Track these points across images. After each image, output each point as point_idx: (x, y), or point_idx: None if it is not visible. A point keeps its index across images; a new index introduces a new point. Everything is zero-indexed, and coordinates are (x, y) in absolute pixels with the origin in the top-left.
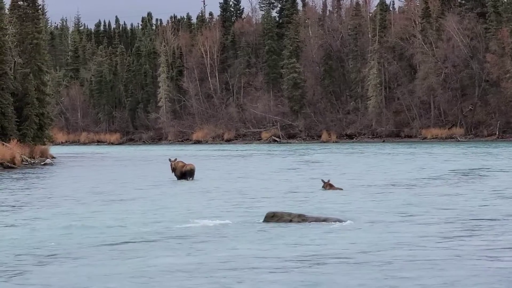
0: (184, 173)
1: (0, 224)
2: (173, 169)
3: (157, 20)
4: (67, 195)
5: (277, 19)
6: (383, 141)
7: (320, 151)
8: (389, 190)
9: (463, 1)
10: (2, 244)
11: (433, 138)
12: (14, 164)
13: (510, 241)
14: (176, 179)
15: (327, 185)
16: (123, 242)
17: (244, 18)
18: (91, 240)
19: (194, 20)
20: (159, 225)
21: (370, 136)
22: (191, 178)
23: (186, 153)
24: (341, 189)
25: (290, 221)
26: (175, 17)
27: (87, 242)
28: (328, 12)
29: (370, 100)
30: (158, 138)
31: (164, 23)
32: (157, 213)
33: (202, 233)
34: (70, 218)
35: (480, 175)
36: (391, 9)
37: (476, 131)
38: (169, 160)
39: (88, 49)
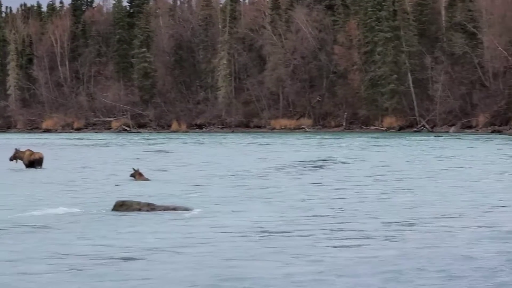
0: (33, 162)
1: None
2: (14, 158)
3: (6, 7)
4: None
5: (128, 8)
6: (232, 131)
7: (169, 140)
8: (232, 180)
9: None
10: None
11: (281, 128)
12: None
13: (328, 235)
14: (23, 167)
15: (137, 174)
16: None
17: (95, 7)
18: None
19: (44, 8)
20: None
21: (219, 126)
22: (39, 167)
23: (35, 142)
24: (148, 180)
25: (139, 210)
26: (25, 5)
27: None
28: (179, 2)
29: (220, 90)
30: (7, 127)
31: (14, 11)
32: None
33: (47, 221)
34: None
35: (321, 166)
36: (241, 0)
37: (323, 122)
38: (16, 149)
39: None
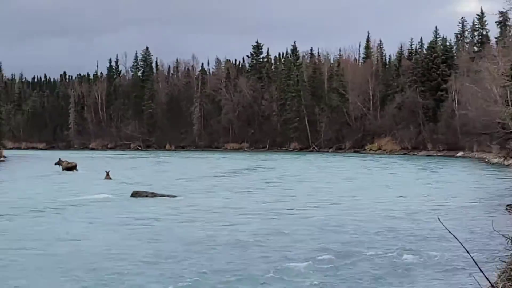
0: (70, 168)
1: None
2: (57, 163)
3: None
4: None
5: (141, 77)
6: (202, 150)
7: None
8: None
9: (249, 69)
10: None
11: (231, 149)
12: None
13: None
14: (60, 170)
15: (107, 175)
16: None
17: (122, 76)
18: None
19: (91, 76)
20: (57, 198)
21: (194, 147)
22: (76, 170)
23: (83, 156)
24: (110, 179)
25: (147, 196)
26: (80, 74)
27: None
28: (171, 74)
29: (194, 126)
30: (67, 147)
31: (73, 78)
32: (58, 191)
33: (98, 201)
34: None
35: (248, 172)
36: (208, 73)
37: (255, 145)
38: (59, 159)
39: None
